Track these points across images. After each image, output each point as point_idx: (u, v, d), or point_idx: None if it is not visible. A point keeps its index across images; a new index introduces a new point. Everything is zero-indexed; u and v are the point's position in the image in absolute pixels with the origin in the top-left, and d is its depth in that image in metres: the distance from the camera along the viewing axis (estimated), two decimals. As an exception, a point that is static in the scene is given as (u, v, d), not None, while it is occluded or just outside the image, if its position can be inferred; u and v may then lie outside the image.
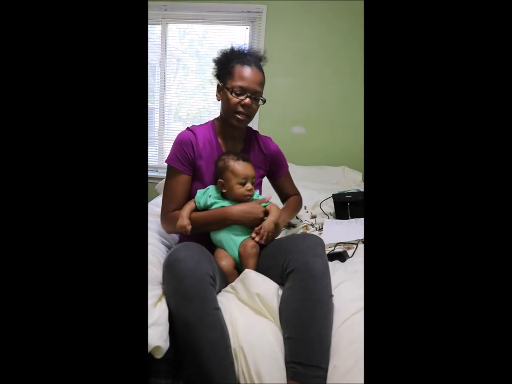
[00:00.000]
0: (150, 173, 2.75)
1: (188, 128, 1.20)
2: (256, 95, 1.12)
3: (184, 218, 1.07)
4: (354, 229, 1.48)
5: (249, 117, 1.14)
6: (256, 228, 1.07)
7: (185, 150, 1.14)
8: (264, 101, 1.16)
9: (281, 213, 1.17)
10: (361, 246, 1.30)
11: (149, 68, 2.53)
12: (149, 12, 2.51)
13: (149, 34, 2.66)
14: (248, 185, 1.10)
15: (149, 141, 2.84)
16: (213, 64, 1.18)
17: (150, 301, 0.85)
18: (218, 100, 1.17)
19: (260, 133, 1.32)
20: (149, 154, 2.69)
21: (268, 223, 1.07)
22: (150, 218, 1.34)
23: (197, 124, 1.23)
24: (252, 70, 1.11)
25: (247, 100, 1.10)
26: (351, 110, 2.58)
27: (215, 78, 1.18)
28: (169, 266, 0.88)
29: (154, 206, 1.50)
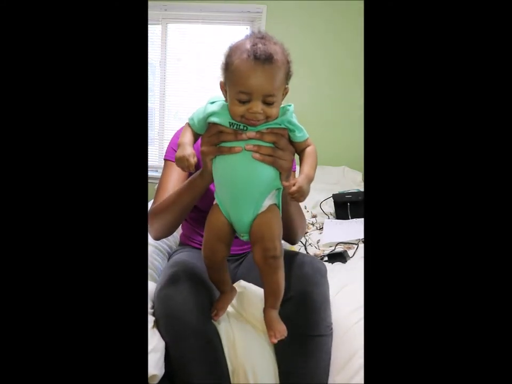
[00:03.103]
0: (150, 173, 2.75)
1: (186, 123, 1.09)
2: None
3: (185, 146, 0.69)
4: (354, 229, 1.48)
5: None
6: (290, 183, 0.66)
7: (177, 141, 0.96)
8: None
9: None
10: (361, 246, 1.30)
11: (149, 68, 2.53)
12: (149, 12, 2.50)
13: (149, 34, 2.65)
14: (254, 107, 0.65)
15: (149, 141, 2.84)
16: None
17: (150, 323, 0.80)
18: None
19: None
20: (149, 154, 2.69)
21: (304, 179, 0.67)
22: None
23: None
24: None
25: None
26: (351, 110, 2.58)
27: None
28: (159, 301, 0.80)
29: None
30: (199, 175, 0.78)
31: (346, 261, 1.19)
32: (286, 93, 0.71)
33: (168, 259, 1.13)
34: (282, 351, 0.82)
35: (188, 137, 0.72)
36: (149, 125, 2.80)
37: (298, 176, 0.68)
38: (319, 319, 0.80)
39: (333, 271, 1.12)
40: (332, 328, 0.82)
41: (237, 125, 0.68)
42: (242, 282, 0.93)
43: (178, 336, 0.78)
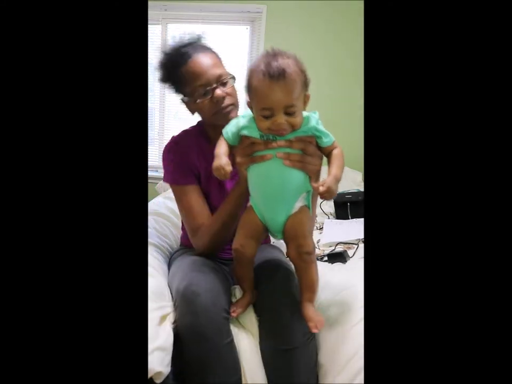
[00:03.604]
0: (150, 173, 2.75)
1: (172, 137, 1.04)
2: (221, 79, 0.90)
3: (221, 156, 0.76)
4: (354, 229, 1.48)
5: (234, 104, 0.94)
6: (319, 184, 0.71)
7: (175, 160, 0.98)
8: (234, 78, 0.94)
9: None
10: (361, 246, 1.30)
11: (149, 67, 2.53)
12: (149, 12, 2.50)
13: (149, 34, 2.65)
14: (277, 119, 0.71)
15: (149, 141, 2.84)
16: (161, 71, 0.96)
17: (156, 320, 0.80)
18: (193, 114, 0.98)
19: None
20: (149, 154, 2.68)
21: (332, 180, 0.73)
22: (150, 218, 1.33)
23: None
24: (198, 58, 0.89)
25: (218, 92, 0.90)
26: (351, 109, 2.57)
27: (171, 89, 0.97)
28: (185, 299, 0.81)
29: (155, 206, 1.50)
30: (236, 184, 0.86)
31: (346, 261, 1.19)
32: (308, 100, 0.76)
33: (170, 258, 1.12)
34: (265, 363, 0.83)
35: (223, 148, 0.79)
36: (149, 125, 2.80)
37: (327, 177, 0.73)
38: (289, 332, 0.80)
39: (333, 271, 1.12)
40: (309, 335, 0.81)
41: (267, 136, 0.74)
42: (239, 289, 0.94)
43: (205, 334, 0.78)
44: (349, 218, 1.64)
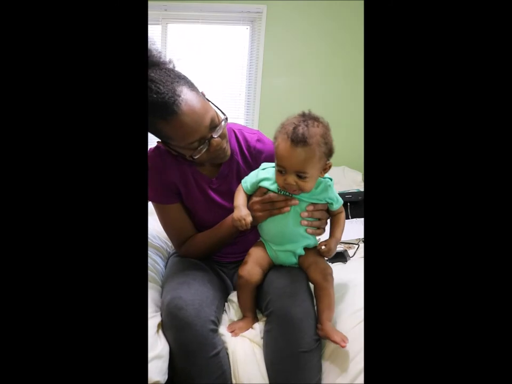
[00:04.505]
0: (150, 173, 2.74)
1: (149, 152, 0.95)
2: (213, 125, 0.82)
3: (241, 208, 0.83)
4: (354, 229, 1.48)
5: (227, 141, 0.89)
6: (322, 243, 0.87)
7: (152, 179, 0.92)
8: (226, 118, 0.86)
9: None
10: (362, 246, 1.30)
11: (149, 68, 2.52)
12: (149, 12, 2.50)
13: (149, 34, 2.65)
14: (287, 178, 0.77)
15: (148, 141, 2.83)
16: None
17: (153, 328, 0.79)
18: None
19: (247, 131, 1.00)
20: (149, 155, 2.66)
21: (334, 242, 0.88)
22: (150, 218, 1.33)
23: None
24: (185, 110, 0.77)
25: (216, 142, 0.82)
26: (351, 109, 2.58)
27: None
28: (168, 313, 0.79)
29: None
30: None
31: (346, 261, 1.19)
32: (329, 168, 0.82)
33: (167, 260, 1.12)
34: (270, 368, 0.81)
35: (241, 199, 0.86)
36: (149, 125, 2.79)
37: (329, 238, 0.87)
38: (300, 335, 0.78)
39: (333, 271, 1.12)
40: (317, 340, 0.80)
41: (284, 192, 0.82)
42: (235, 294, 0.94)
43: (188, 349, 0.77)
44: (349, 218, 1.65)
